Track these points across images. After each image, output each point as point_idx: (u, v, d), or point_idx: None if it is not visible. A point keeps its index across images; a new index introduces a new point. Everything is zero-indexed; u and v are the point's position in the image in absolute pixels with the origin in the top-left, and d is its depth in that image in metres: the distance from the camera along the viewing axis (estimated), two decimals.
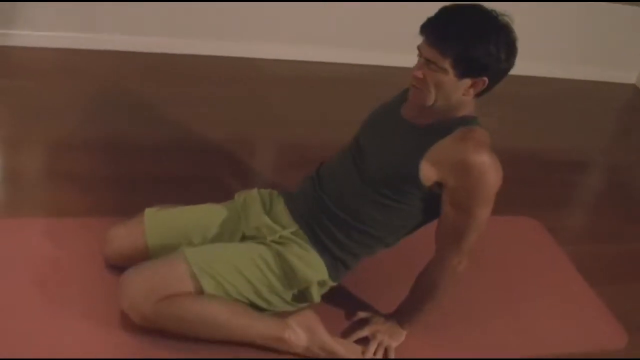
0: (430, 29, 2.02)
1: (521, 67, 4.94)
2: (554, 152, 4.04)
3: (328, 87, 4.24)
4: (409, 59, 4.28)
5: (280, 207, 2.36)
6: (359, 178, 2.22)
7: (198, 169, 3.20)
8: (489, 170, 2.05)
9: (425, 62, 2.03)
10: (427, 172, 2.10)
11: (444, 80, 2.03)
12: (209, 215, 2.40)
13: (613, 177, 4.00)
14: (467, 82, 2.05)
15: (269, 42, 4.33)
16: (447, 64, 2.00)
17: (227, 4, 4.11)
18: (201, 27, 4.17)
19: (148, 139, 3.34)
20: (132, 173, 3.05)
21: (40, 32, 3.89)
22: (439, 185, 2.12)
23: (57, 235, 2.54)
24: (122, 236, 2.34)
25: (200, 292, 2.13)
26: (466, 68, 2.01)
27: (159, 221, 2.34)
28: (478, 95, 2.12)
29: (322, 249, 2.26)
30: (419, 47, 2.05)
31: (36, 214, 2.68)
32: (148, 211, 2.36)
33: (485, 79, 2.04)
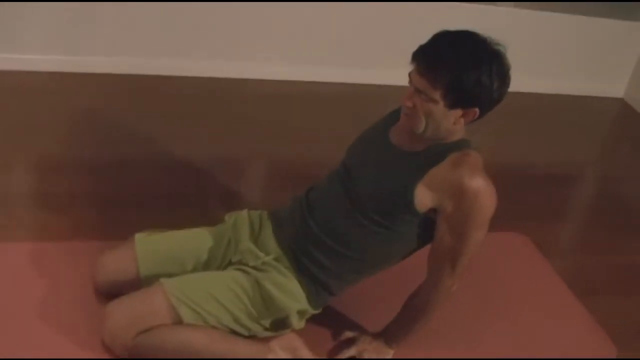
0: (421, 57, 2.00)
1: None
2: (542, 167, 4.05)
3: (315, 106, 4.24)
4: (396, 76, 4.29)
5: (268, 231, 2.34)
6: (349, 204, 2.20)
7: (185, 189, 3.20)
8: (484, 194, 2.05)
9: (416, 90, 2.02)
10: (422, 199, 2.09)
11: (434, 110, 2.02)
12: (201, 239, 2.38)
13: (601, 191, 4.00)
14: (458, 112, 2.04)
15: (255, 61, 4.34)
16: (437, 95, 1.99)
17: (211, 24, 4.12)
18: (186, 47, 4.17)
19: (134, 160, 3.34)
20: (119, 194, 3.05)
21: (21, 55, 3.89)
22: (433, 211, 2.11)
23: (41, 259, 2.52)
24: (113, 264, 2.31)
25: (179, 322, 2.11)
26: (457, 99, 2.00)
27: (151, 247, 2.32)
28: (469, 123, 2.10)
29: (305, 276, 2.23)
30: (410, 75, 2.05)
31: (19, 238, 2.67)
32: (138, 237, 2.34)
33: (477, 109, 2.03)
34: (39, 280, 2.42)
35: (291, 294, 2.20)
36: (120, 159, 3.32)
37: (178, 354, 2.11)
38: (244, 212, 2.43)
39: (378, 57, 4.47)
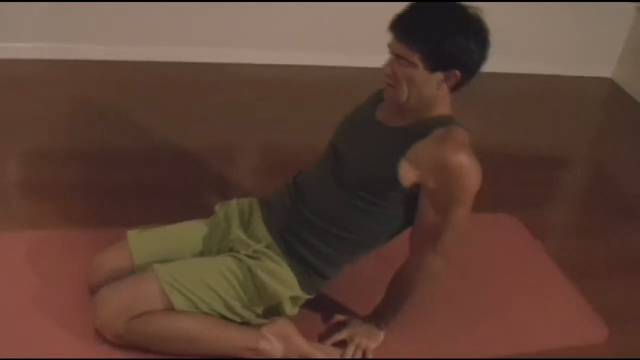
0: (397, 24, 2.01)
1: (497, 64, 4.95)
2: (532, 149, 4.04)
3: (307, 91, 4.22)
4: (383, 59, 4.25)
5: (258, 219, 2.33)
6: (337, 183, 2.19)
7: (176, 177, 3.18)
8: (468, 171, 2.03)
9: (396, 58, 2.02)
10: (406, 174, 2.07)
11: (414, 74, 2.01)
12: (194, 233, 2.37)
13: (591, 172, 4.00)
14: (439, 76, 2.02)
15: (244, 47, 4.32)
16: (415, 58, 1.98)
17: (202, 10, 4.09)
18: (176, 34, 4.15)
19: (125, 148, 3.32)
20: (110, 183, 3.03)
21: (12, 43, 3.87)
22: (417, 186, 2.09)
23: (33, 248, 2.51)
24: (108, 264, 2.27)
25: (171, 308, 2.11)
26: (436, 61, 1.99)
27: (145, 243, 2.30)
28: (453, 89, 2.10)
29: (297, 261, 2.22)
30: (388, 45, 2.05)
31: (10, 227, 2.65)
32: (131, 234, 2.32)
33: (457, 72, 2.02)
34: (31, 269, 2.42)
35: (283, 281, 2.19)
36: (113, 149, 3.30)
37: (169, 340, 2.12)
38: (234, 202, 2.42)
39: (368, 41, 4.43)
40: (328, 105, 3.89)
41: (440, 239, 2.11)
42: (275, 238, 2.25)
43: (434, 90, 2.05)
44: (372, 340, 2.33)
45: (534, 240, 3.12)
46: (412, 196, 2.12)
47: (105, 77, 3.93)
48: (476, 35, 2.00)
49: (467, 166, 2.03)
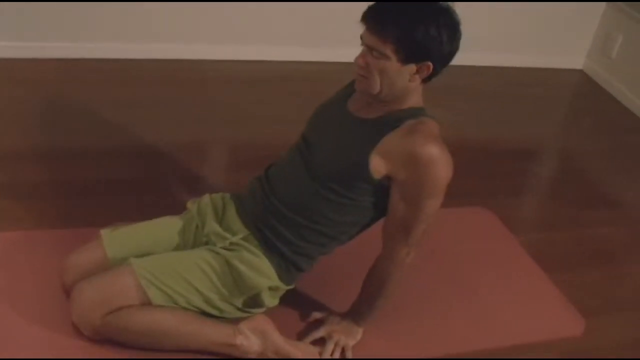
0: (369, 15, 1.99)
1: (468, 57, 4.94)
2: (504, 141, 4.04)
3: (275, 86, 4.19)
4: (357, 53, 4.22)
5: (232, 212, 2.32)
6: (308, 175, 2.18)
7: (148, 173, 3.15)
8: (438, 162, 2.02)
9: (368, 49, 2.01)
10: (377, 166, 2.06)
11: (387, 66, 2.00)
12: (169, 228, 2.35)
13: (564, 164, 4.01)
14: (412, 67, 2.01)
15: (213, 43, 4.28)
16: (388, 50, 1.97)
17: (168, 5, 4.04)
18: (144, 30, 4.10)
19: (95, 145, 3.28)
20: (78, 182, 2.98)
21: None
22: (388, 178, 2.08)
23: (5, 249, 2.48)
24: (82, 264, 2.24)
25: (148, 303, 2.09)
26: (408, 53, 1.98)
27: (119, 240, 2.27)
28: (425, 81, 2.09)
29: (274, 253, 2.21)
30: (361, 36, 2.03)
31: None
32: (105, 233, 2.29)
33: (430, 63, 2.01)
34: (1, 269, 2.38)
35: (261, 271, 2.18)
36: (81, 146, 3.25)
37: (147, 335, 2.10)
38: (206, 197, 2.40)
39: (338, 34, 4.42)
40: (300, 100, 3.89)
41: (412, 231, 2.11)
42: (251, 230, 2.23)
43: (406, 82, 2.04)
44: (350, 337, 2.33)
45: (508, 232, 3.13)
46: (383, 188, 2.11)
47: (74, 75, 3.87)
48: (448, 26, 1.99)
49: (437, 157, 2.02)
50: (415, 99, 2.12)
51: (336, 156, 2.13)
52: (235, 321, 2.20)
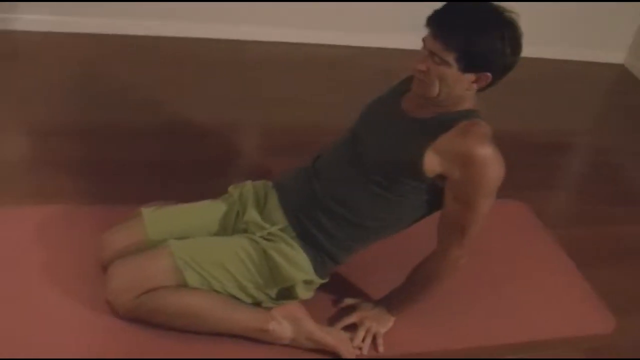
0: (435, 21, 2.01)
1: None
2: (541, 134, 4.02)
3: (314, 69, 4.19)
4: (392, 39, 4.25)
5: (274, 202, 2.32)
6: (356, 168, 2.20)
7: (184, 154, 3.17)
8: (491, 163, 2.05)
9: (430, 54, 2.03)
10: (431, 164, 2.08)
11: (447, 73, 2.03)
12: (210, 212, 2.36)
13: (600, 159, 3.98)
14: (471, 76, 2.05)
15: (254, 24, 4.28)
16: (450, 58, 1.99)
17: None
18: (184, 9, 4.11)
19: (132, 124, 3.30)
20: (118, 160, 3.01)
21: (16, 14, 3.82)
22: (441, 178, 2.10)
23: (40, 223, 2.51)
24: (122, 239, 2.26)
25: (184, 285, 2.11)
26: (470, 62, 2.01)
27: (160, 221, 2.29)
28: (481, 90, 2.12)
29: (311, 246, 2.23)
30: (423, 40, 2.05)
31: (20, 202, 2.64)
32: (145, 211, 2.31)
33: (489, 74, 2.04)
34: (40, 243, 2.42)
35: (297, 264, 2.19)
36: (120, 124, 3.28)
37: (180, 317, 2.13)
38: (249, 184, 2.42)
39: (375, 20, 4.41)
40: (337, 84, 3.90)
41: (467, 231, 2.14)
42: (290, 221, 2.24)
43: (464, 89, 2.08)
44: (382, 324, 2.34)
45: (542, 226, 3.12)
46: (430, 188, 2.14)
47: (115, 52, 3.90)
48: (511, 39, 2.01)
49: (491, 158, 2.05)
50: (469, 103, 2.15)
51: (389, 152, 2.15)
52: (268, 307, 2.22)
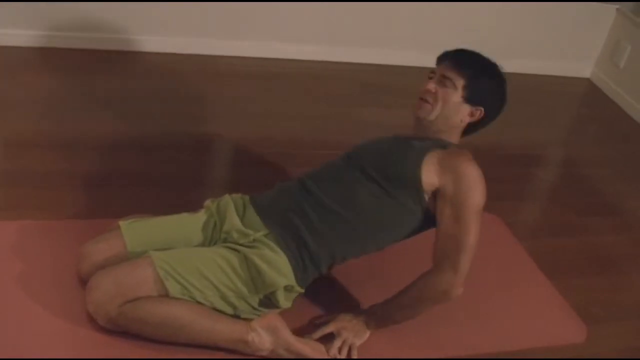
0: (452, 53, 2.42)
1: None
2: (510, 147, 4.07)
3: (291, 83, 4.22)
4: (363, 53, 4.28)
5: (252, 213, 2.36)
6: (354, 170, 2.35)
7: (161, 167, 3.17)
8: (480, 183, 2.30)
9: (441, 78, 2.37)
10: (428, 174, 2.28)
11: (452, 97, 2.36)
12: (188, 225, 2.38)
13: (569, 171, 4.03)
14: (467, 108, 2.40)
15: (226, 39, 4.30)
16: (459, 83, 2.36)
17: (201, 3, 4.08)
18: (157, 23, 4.12)
19: (108, 137, 3.30)
20: (96, 171, 3.02)
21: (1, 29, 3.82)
22: (434, 196, 2.29)
23: (18, 238, 2.50)
24: (101, 252, 2.27)
25: (165, 295, 2.12)
26: (472, 93, 2.37)
27: (138, 233, 2.30)
28: (467, 130, 2.48)
29: (294, 251, 2.26)
30: (436, 68, 2.42)
31: None
32: (123, 224, 2.32)
33: (482, 109, 2.41)
34: (18, 258, 2.41)
35: (279, 269, 2.21)
36: (99, 137, 3.27)
37: (161, 327, 2.13)
38: (226, 197, 2.46)
39: (347, 34, 4.45)
40: (311, 98, 3.93)
41: (460, 254, 2.24)
42: (272, 229, 2.28)
43: (458, 120, 2.41)
44: (358, 336, 2.35)
45: (512, 237, 3.16)
46: (421, 209, 2.32)
47: (93, 66, 3.90)
48: (503, 89, 2.48)
49: (479, 179, 2.30)
50: (454, 138, 2.45)
51: (388, 157, 2.36)
52: (248, 318, 2.23)
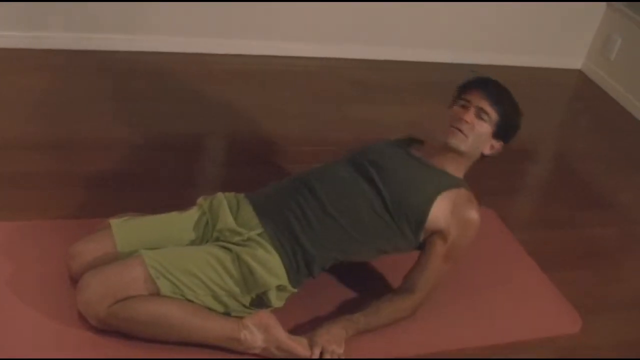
0: (486, 83, 2.47)
1: (467, 56, 4.95)
2: None
3: (278, 80, 4.20)
4: (353, 50, 4.26)
5: (248, 210, 2.36)
6: (363, 184, 2.38)
7: (152, 167, 3.16)
8: (478, 228, 2.43)
9: (478, 111, 2.40)
10: (436, 215, 2.35)
11: (485, 131, 2.43)
12: (180, 223, 2.37)
13: (561, 163, 4.03)
14: (492, 141, 2.48)
15: (216, 37, 4.28)
16: (494, 118, 2.42)
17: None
18: (147, 23, 4.10)
19: (99, 137, 3.28)
20: (84, 172, 2.99)
21: None
22: (433, 231, 2.37)
23: (5, 239, 2.48)
24: (91, 252, 2.26)
25: (156, 294, 2.11)
26: (501, 130, 2.45)
27: (129, 232, 2.29)
28: (479, 160, 2.54)
29: (288, 252, 2.26)
30: (471, 97, 2.43)
31: None
32: (114, 223, 2.31)
33: (502, 144, 2.50)
34: (6, 259, 2.39)
35: (271, 269, 2.21)
36: (87, 138, 3.25)
37: (152, 326, 2.12)
38: (220, 195, 2.44)
39: (336, 31, 4.44)
40: (301, 95, 3.91)
41: (432, 287, 2.42)
42: (267, 227, 2.28)
43: (480, 152, 2.48)
44: (339, 345, 2.26)
45: (507, 231, 3.16)
46: (415, 238, 2.39)
47: (81, 66, 3.87)
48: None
49: (479, 224, 2.43)
50: (464, 168, 2.51)
51: (404, 183, 2.37)
52: (240, 316, 2.22)
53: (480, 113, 2.41)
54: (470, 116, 2.40)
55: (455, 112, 2.46)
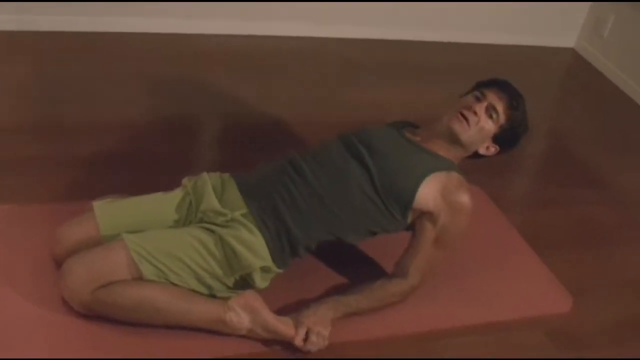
0: (507, 85, 2.49)
1: (461, 35, 4.91)
2: None
3: (270, 61, 4.19)
4: (343, 30, 4.23)
5: (233, 190, 2.33)
6: (351, 163, 2.35)
7: (140, 148, 3.14)
8: (470, 214, 2.37)
9: (490, 107, 2.40)
10: (424, 196, 2.31)
11: (489, 128, 2.41)
12: (163, 204, 2.36)
13: (555, 143, 4.02)
14: (489, 142, 2.46)
15: (206, 18, 4.25)
16: (502, 120, 2.41)
17: None
18: (137, 4, 4.06)
19: (86, 120, 3.26)
20: (71, 155, 2.98)
21: None
22: (422, 212, 2.34)
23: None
24: (74, 235, 2.25)
25: (140, 278, 2.10)
26: (503, 134, 2.44)
27: (112, 215, 2.28)
28: (471, 157, 2.51)
29: (274, 231, 2.24)
30: (488, 93, 2.43)
31: None
32: (97, 205, 2.29)
33: (497, 148, 2.48)
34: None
35: (255, 251, 2.19)
36: (73, 121, 3.24)
37: (136, 310, 2.11)
38: (204, 175, 2.42)
39: (327, 10, 4.40)
40: (289, 77, 3.88)
41: (433, 269, 2.42)
42: (251, 207, 2.26)
43: (475, 147, 2.45)
44: (325, 327, 2.25)
45: (498, 211, 3.14)
46: (404, 220, 2.37)
47: (66, 49, 3.85)
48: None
49: (471, 210, 2.38)
50: (458, 158, 2.48)
51: (394, 164, 2.34)
52: (226, 298, 2.20)
53: (491, 110, 2.40)
54: (481, 109, 2.39)
55: (467, 100, 2.45)
